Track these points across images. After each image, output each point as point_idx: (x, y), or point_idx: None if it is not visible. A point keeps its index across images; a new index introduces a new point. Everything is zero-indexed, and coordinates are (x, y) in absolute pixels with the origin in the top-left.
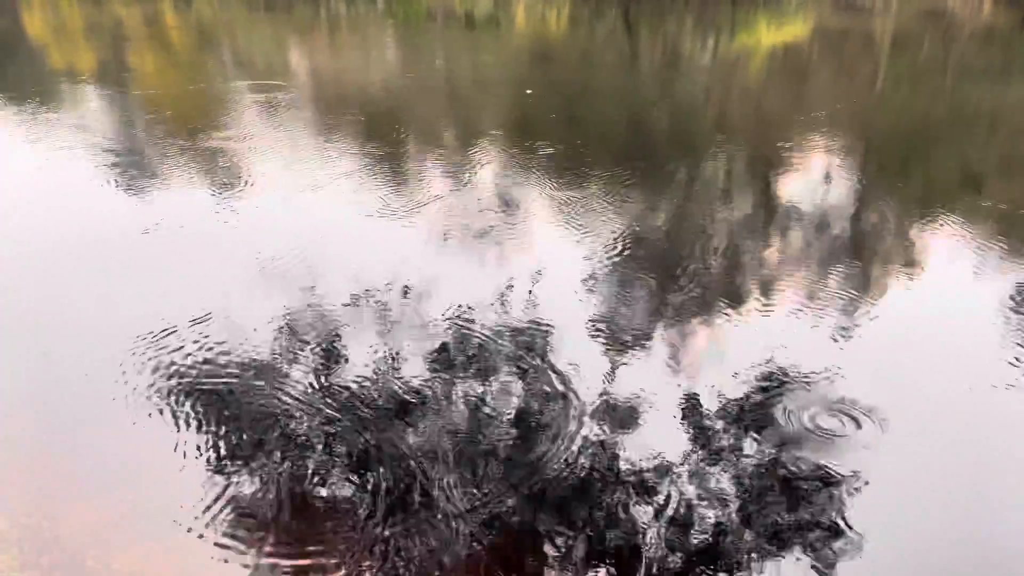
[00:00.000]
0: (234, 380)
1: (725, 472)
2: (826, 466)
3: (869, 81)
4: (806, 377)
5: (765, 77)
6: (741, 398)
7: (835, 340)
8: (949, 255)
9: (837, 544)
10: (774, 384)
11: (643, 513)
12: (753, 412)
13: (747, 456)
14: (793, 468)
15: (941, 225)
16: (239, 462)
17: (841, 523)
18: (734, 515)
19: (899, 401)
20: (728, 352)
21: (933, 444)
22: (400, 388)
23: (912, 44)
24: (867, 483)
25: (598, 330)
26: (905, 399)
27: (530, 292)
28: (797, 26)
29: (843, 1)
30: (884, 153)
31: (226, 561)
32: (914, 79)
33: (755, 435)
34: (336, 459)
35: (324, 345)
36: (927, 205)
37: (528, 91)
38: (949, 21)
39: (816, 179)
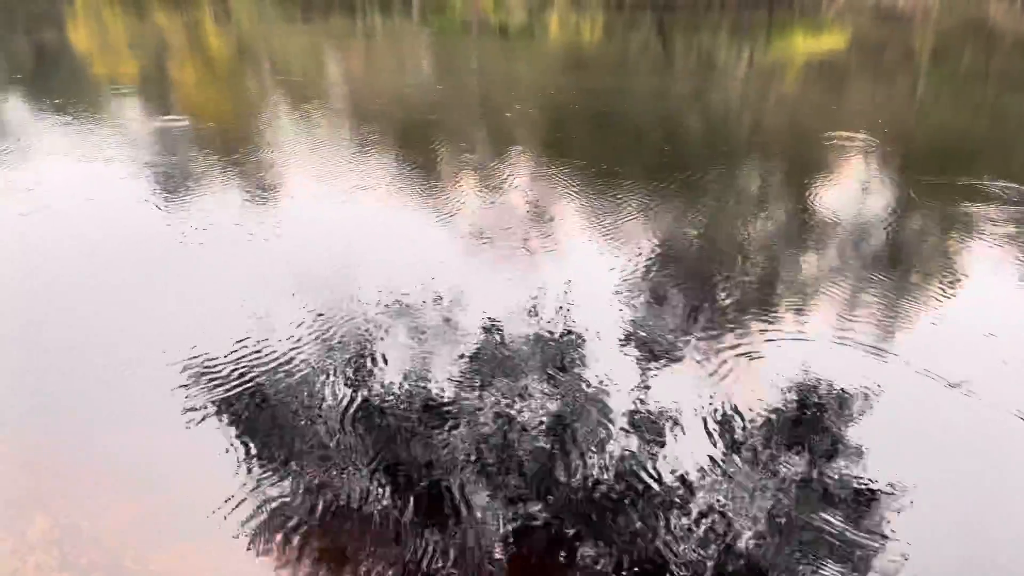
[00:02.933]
0: (270, 385)
1: (759, 484)
2: (863, 480)
3: (908, 91)
4: (845, 390)
5: (801, 87)
6: (777, 410)
7: (875, 353)
8: (992, 268)
9: (873, 559)
10: (811, 396)
11: (673, 525)
12: (789, 424)
13: (782, 468)
14: (830, 482)
15: (983, 236)
16: (275, 465)
17: (879, 537)
18: (767, 527)
19: (938, 415)
20: (765, 363)
21: (975, 459)
22: (431, 396)
23: (953, 54)
24: (910, 500)
25: (630, 340)
26: (944, 413)
27: (562, 301)
28: (835, 36)
29: (882, 11)
30: (923, 163)
31: (262, 562)
32: (955, 89)
33: (791, 447)
34: (368, 465)
35: (357, 352)
36: (968, 216)
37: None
38: (990, 31)
39: (853, 190)
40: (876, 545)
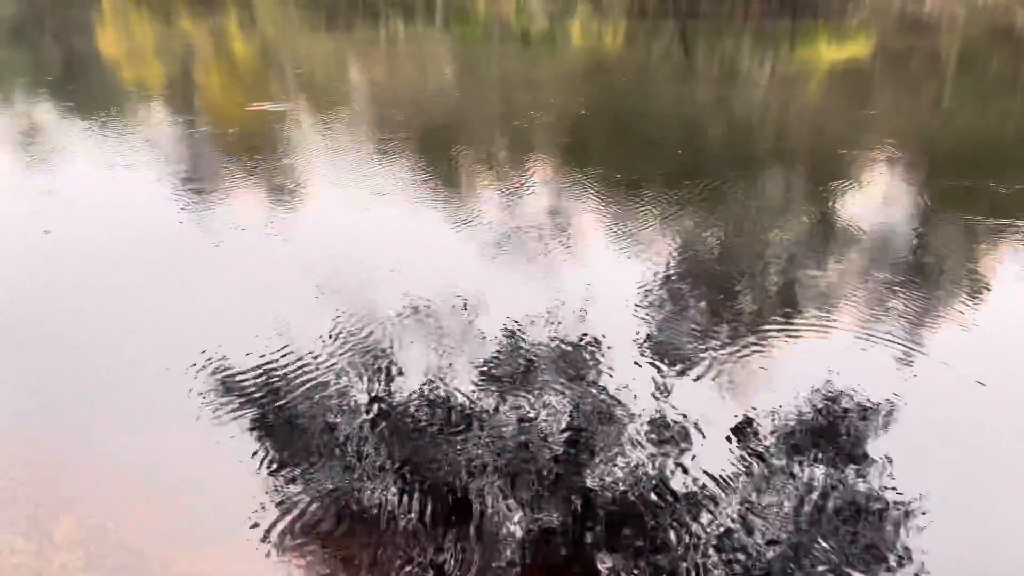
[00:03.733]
0: (296, 389)
1: (778, 496)
2: (884, 493)
3: (934, 100)
4: (865, 402)
5: (824, 95)
6: (795, 421)
7: (896, 364)
8: (1012, 279)
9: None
10: (830, 408)
11: (690, 535)
12: (807, 436)
13: (800, 480)
14: (849, 494)
15: (1005, 248)
16: (301, 469)
17: (899, 551)
18: (786, 541)
19: (961, 426)
20: (784, 374)
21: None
22: (453, 402)
23: (980, 62)
24: (926, 510)
25: (650, 345)
26: (968, 425)
27: (582, 307)
28: (859, 44)
29: (908, 18)
30: (948, 173)
31: (288, 566)
32: (981, 98)
33: (810, 459)
34: (392, 470)
35: (379, 357)
36: (992, 227)
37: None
38: (1019, 38)
39: (875, 197)
40: (897, 552)
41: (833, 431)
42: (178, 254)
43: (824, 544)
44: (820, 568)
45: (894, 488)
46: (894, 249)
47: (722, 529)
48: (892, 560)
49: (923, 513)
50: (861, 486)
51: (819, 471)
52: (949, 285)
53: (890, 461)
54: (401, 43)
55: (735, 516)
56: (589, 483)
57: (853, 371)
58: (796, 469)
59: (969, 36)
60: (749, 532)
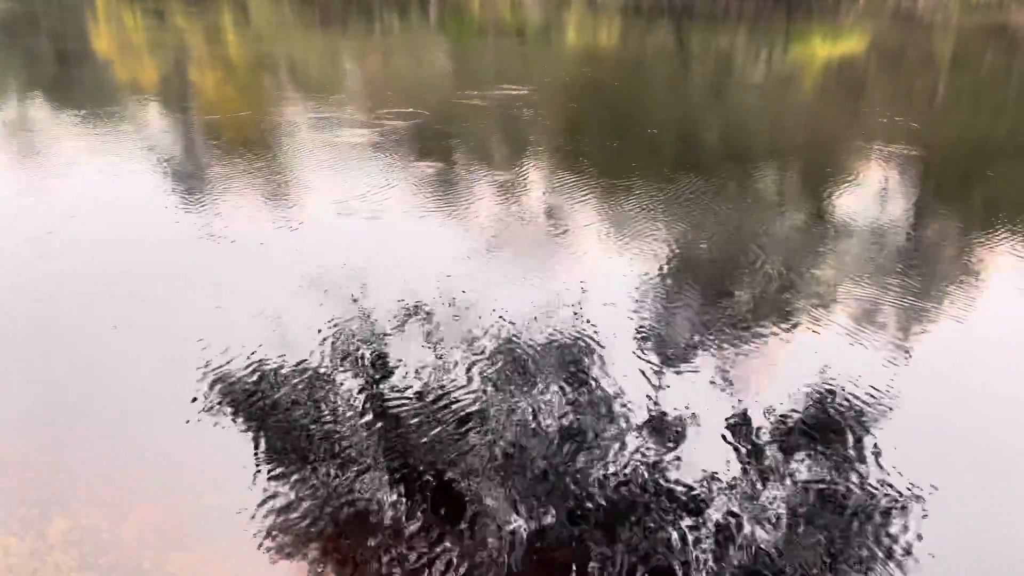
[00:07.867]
0: (289, 389)
1: (774, 492)
2: (881, 490)
3: (928, 97)
4: (860, 397)
5: (819, 92)
6: (792, 417)
7: (892, 360)
8: (1009, 275)
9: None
10: (826, 403)
11: (686, 532)
12: (803, 431)
13: (797, 476)
14: (845, 488)
15: (1001, 244)
16: (294, 469)
17: (896, 547)
18: (784, 537)
19: (955, 419)
20: (780, 369)
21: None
22: (447, 401)
23: (973, 59)
24: (924, 507)
25: (644, 345)
26: (962, 419)
27: (576, 305)
28: (853, 40)
29: (902, 16)
30: (942, 170)
31: (281, 566)
32: (975, 95)
33: (805, 455)
34: (386, 469)
35: (373, 357)
36: (987, 224)
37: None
38: (1012, 36)
39: (871, 196)
40: (897, 552)
41: (832, 425)
42: (171, 255)
43: (825, 541)
44: (820, 566)
45: (898, 484)
46: (884, 246)
47: (721, 526)
48: (893, 557)
49: (925, 509)
50: (863, 481)
51: (818, 467)
52: (938, 283)
53: (887, 454)
54: (395, 40)
55: (734, 513)
56: (585, 481)
57: (849, 363)
58: (794, 464)
59: (963, 32)
60: (749, 529)
